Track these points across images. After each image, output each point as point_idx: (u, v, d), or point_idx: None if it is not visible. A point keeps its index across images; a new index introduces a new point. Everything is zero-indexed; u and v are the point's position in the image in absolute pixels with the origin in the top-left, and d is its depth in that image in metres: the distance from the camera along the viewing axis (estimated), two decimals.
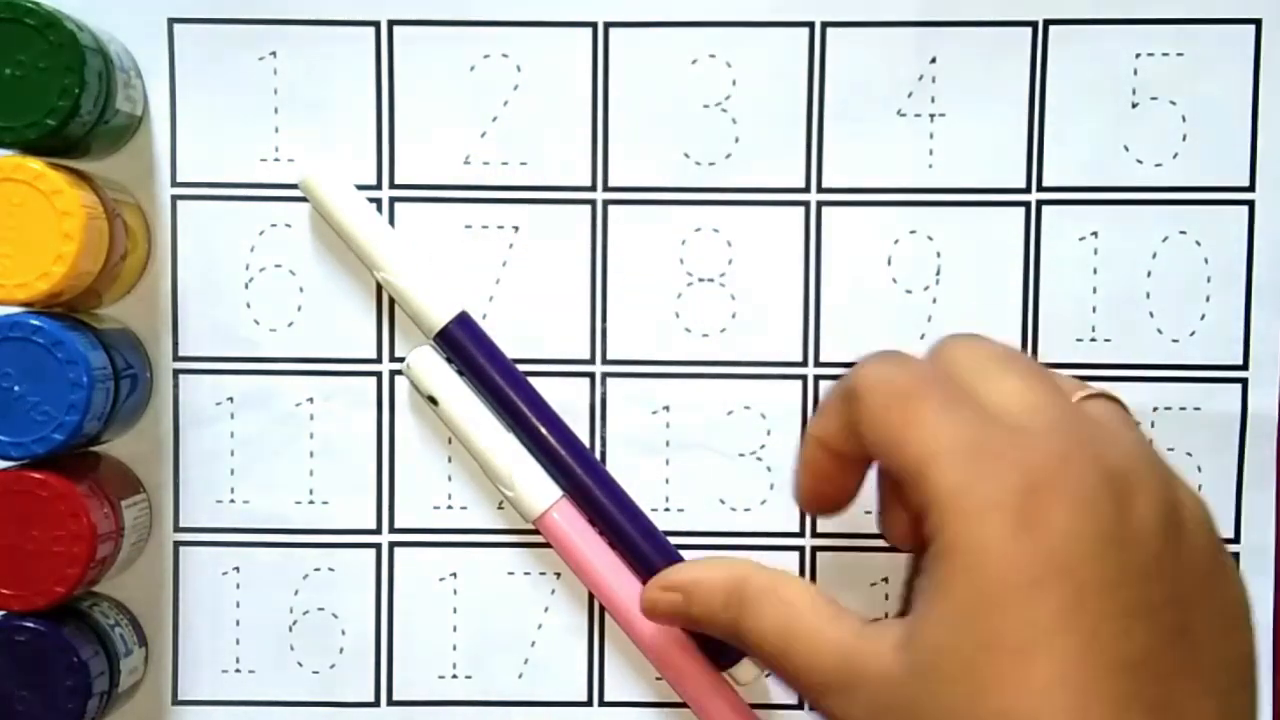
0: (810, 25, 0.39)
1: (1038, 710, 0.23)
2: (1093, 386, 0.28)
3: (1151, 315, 0.40)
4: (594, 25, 0.39)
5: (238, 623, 0.40)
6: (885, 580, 0.40)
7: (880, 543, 0.30)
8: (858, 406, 0.27)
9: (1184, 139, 0.39)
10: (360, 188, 0.40)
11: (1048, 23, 0.39)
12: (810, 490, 0.30)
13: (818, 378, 0.40)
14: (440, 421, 0.39)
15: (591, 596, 0.40)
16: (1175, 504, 0.25)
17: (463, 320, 0.39)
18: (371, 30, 0.39)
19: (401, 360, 0.40)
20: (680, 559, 0.39)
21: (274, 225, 0.40)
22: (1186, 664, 0.24)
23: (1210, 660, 0.24)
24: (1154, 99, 0.39)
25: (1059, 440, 0.25)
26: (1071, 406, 0.27)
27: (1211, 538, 0.26)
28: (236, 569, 0.40)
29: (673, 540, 0.40)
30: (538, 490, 0.39)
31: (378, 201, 0.40)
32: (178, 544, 0.40)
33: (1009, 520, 0.24)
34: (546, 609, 0.40)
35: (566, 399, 0.40)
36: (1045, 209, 0.40)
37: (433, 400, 0.39)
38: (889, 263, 0.40)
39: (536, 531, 0.39)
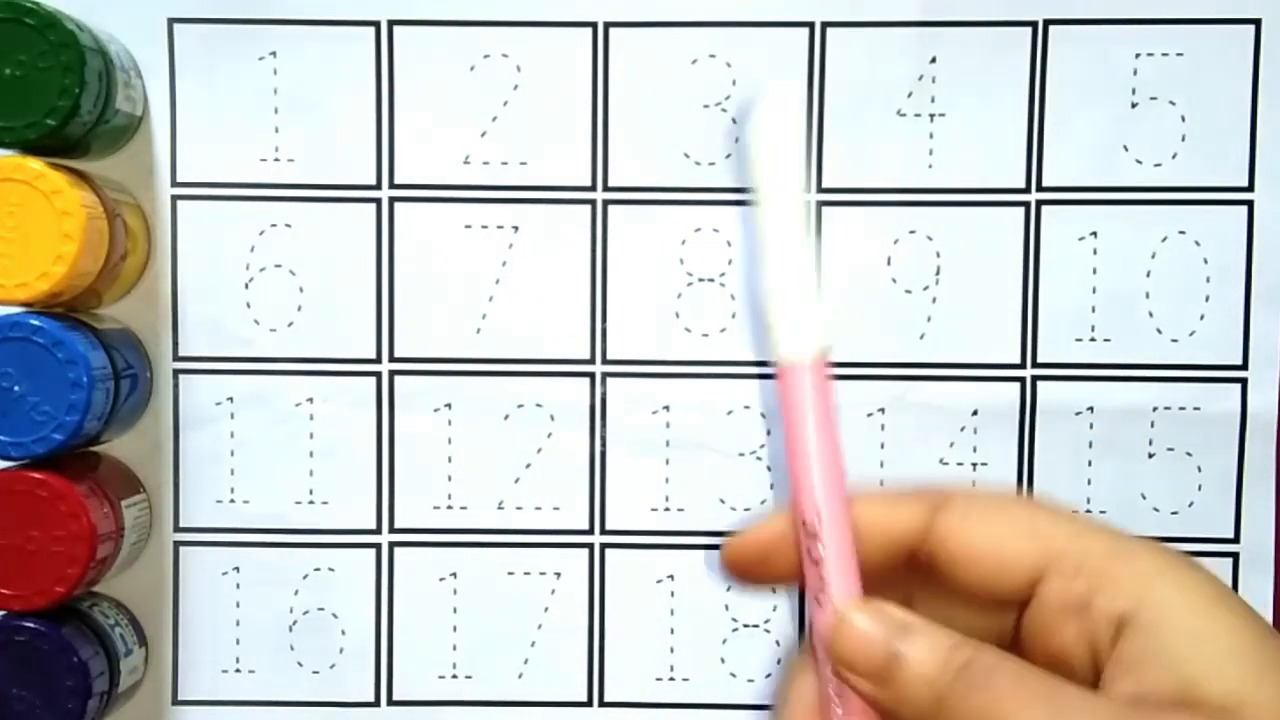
0: (810, 25, 0.39)
1: None
2: None
3: (1151, 315, 0.40)
4: (594, 25, 0.39)
5: (238, 623, 0.40)
6: None
7: None
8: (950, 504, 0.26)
9: (1183, 139, 0.39)
10: (360, 187, 0.40)
11: (1048, 23, 0.39)
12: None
13: None
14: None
15: (591, 596, 0.40)
16: None
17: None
18: (371, 30, 0.39)
19: (401, 360, 0.40)
20: None
21: (274, 225, 0.40)
22: None
23: None
24: (1154, 99, 0.39)
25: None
26: None
27: None
28: (236, 569, 0.40)
29: (672, 540, 0.40)
30: (802, 334, 0.27)
31: (377, 201, 0.40)
32: (178, 544, 0.40)
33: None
34: (546, 609, 0.40)
35: (567, 399, 0.40)
36: (1045, 209, 0.40)
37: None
38: (889, 263, 0.40)
39: (537, 531, 0.39)
